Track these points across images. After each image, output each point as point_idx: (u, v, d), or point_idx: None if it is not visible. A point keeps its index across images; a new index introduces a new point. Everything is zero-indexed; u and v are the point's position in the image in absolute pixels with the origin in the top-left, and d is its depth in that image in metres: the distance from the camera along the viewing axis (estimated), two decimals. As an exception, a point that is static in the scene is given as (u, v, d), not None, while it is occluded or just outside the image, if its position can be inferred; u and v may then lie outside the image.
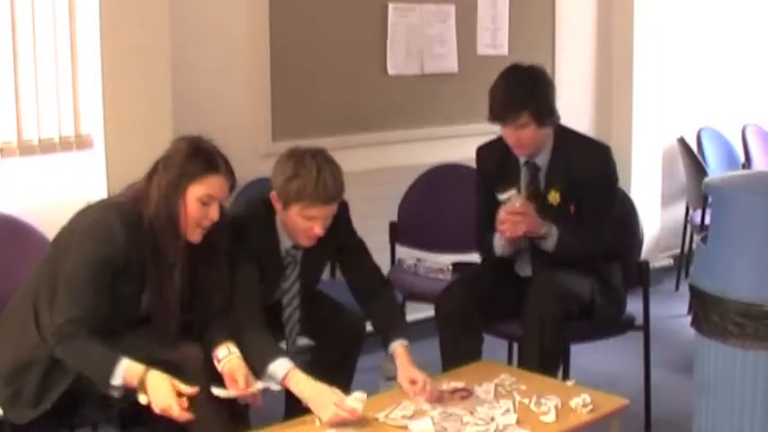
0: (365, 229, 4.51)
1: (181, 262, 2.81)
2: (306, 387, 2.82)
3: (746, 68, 6.54)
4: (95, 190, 3.59)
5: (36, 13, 3.55)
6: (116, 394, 2.68)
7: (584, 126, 5.63)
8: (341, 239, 3.24)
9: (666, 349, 4.53)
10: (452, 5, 4.91)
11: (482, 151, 3.65)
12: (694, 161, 5.62)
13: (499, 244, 3.49)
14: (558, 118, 3.47)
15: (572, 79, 5.54)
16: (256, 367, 2.86)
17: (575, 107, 5.59)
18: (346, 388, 3.26)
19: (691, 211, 5.74)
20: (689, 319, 2.89)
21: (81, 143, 3.71)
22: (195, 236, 2.81)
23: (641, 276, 3.68)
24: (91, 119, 3.70)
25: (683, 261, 5.88)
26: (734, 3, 6.43)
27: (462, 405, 2.83)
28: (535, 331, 3.28)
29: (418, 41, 4.80)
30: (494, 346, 3.66)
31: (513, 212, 3.32)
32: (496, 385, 2.96)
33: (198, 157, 2.78)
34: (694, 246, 5.14)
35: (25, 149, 3.58)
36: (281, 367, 2.84)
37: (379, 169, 4.60)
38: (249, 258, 3.04)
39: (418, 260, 4.22)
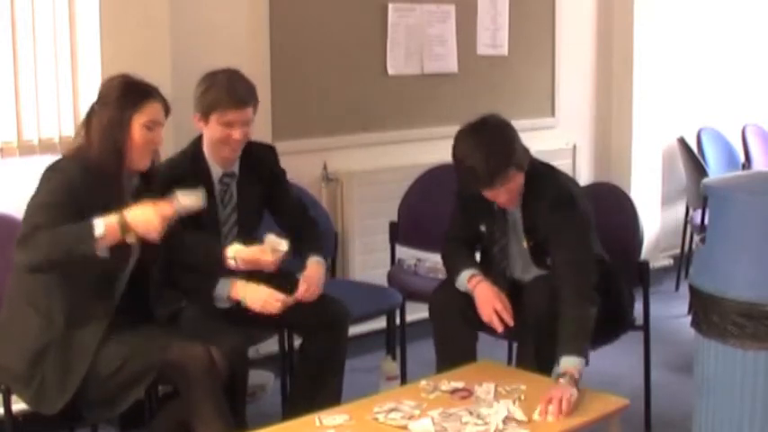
0: (365, 229, 4.54)
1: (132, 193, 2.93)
2: (244, 290, 3.15)
3: (746, 68, 6.54)
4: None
5: (36, 13, 3.56)
6: (101, 253, 2.73)
7: (585, 127, 5.66)
8: (272, 181, 3.45)
9: (666, 349, 4.53)
10: (452, 5, 4.91)
11: (460, 188, 3.49)
12: (694, 161, 5.62)
13: (461, 284, 3.39)
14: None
15: (572, 79, 5.54)
16: (205, 295, 3.16)
17: (574, 107, 5.60)
18: (340, 378, 3.28)
19: (691, 212, 5.74)
20: (689, 319, 2.89)
21: (81, 143, 3.71)
22: (144, 163, 2.94)
23: (641, 276, 3.68)
24: (91, 119, 3.70)
25: (683, 261, 5.87)
26: (734, 3, 6.43)
27: (462, 405, 2.83)
28: (531, 332, 3.27)
29: (418, 41, 4.80)
30: (494, 346, 3.67)
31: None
32: (496, 385, 2.96)
33: (132, 88, 2.91)
34: (694, 246, 5.14)
35: (25, 149, 3.58)
36: (224, 285, 3.15)
37: (379, 169, 4.60)
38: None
39: (418, 260, 4.22)
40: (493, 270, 3.46)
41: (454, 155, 3.24)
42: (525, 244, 3.39)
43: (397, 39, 4.72)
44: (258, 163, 3.41)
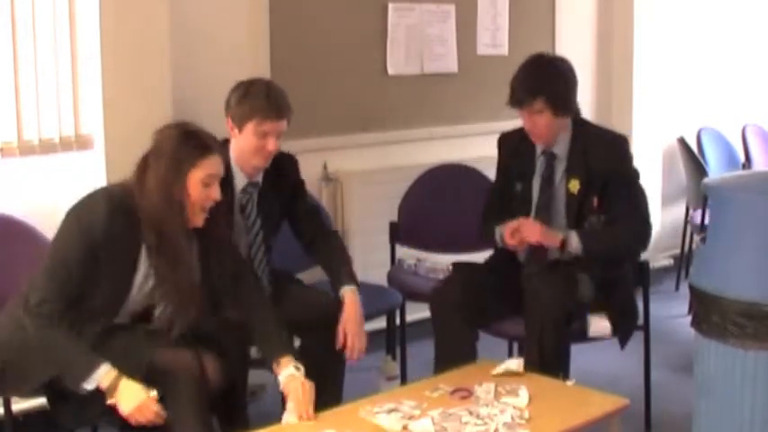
0: (365, 229, 4.53)
1: (192, 246, 2.85)
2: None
3: (746, 68, 6.53)
4: (95, 190, 3.59)
5: (36, 13, 3.55)
6: (84, 392, 2.68)
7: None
8: (293, 191, 3.44)
9: (666, 349, 4.53)
10: (452, 5, 4.91)
11: (502, 138, 3.71)
12: (694, 161, 5.62)
13: (499, 234, 3.52)
14: (578, 111, 3.53)
15: (572, 79, 5.54)
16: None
17: (575, 107, 5.60)
18: (340, 378, 3.28)
19: (691, 211, 5.74)
20: (689, 319, 2.90)
21: (81, 143, 3.71)
22: (199, 220, 2.84)
23: (641, 276, 3.68)
24: (91, 119, 3.70)
25: (683, 261, 5.87)
26: (734, 3, 6.42)
27: (462, 405, 2.83)
28: (535, 333, 3.28)
29: (418, 41, 4.80)
30: (494, 346, 3.66)
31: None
32: (496, 385, 2.96)
33: (190, 141, 2.81)
34: (694, 246, 5.15)
35: (25, 149, 3.58)
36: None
37: (379, 169, 4.59)
38: None
39: (418, 260, 4.22)
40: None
41: None
42: (572, 189, 3.44)
43: (397, 39, 4.72)
44: (281, 173, 3.38)
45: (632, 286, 3.59)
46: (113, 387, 2.66)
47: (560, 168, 3.50)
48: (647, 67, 5.71)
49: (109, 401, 2.66)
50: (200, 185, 2.78)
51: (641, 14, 5.65)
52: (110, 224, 2.73)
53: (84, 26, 3.65)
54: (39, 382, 2.76)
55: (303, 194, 3.52)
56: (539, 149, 3.54)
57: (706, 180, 3.25)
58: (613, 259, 3.46)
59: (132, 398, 2.66)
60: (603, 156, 3.45)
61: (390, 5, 4.68)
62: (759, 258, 2.62)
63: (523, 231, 3.41)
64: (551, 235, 3.41)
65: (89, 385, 2.65)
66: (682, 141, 5.75)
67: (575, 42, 5.55)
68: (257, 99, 3.19)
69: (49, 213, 3.16)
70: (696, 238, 4.80)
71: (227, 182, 3.22)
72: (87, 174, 3.69)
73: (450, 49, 4.93)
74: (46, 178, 3.63)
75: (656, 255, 5.77)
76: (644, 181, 5.69)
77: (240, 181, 3.29)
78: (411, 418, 2.73)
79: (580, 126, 3.54)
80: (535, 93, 3.37)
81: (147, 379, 2.76)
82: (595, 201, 3.43)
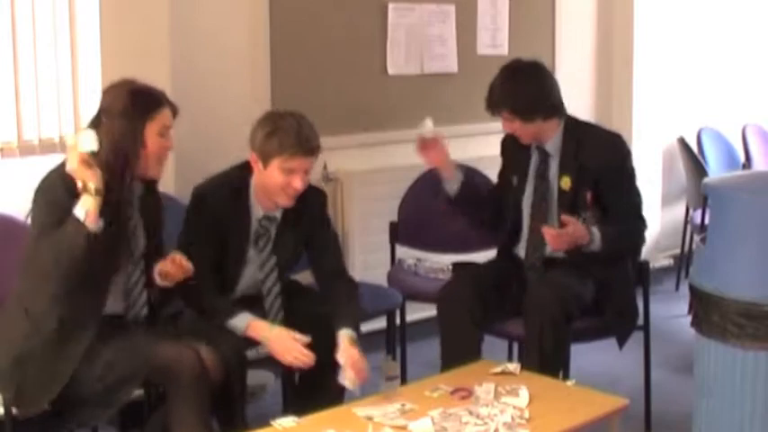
0: (365, 230, 4.53)
1: (133, 200, 2.91)
2: (268, 331, 3.05)
3: (746, 68, 6.53)
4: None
5: (36, 13, 3.56)
6: (96, 228, 2.70)
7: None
8: (313, 226, 3.30)
9: (666, 349, 4.53)
10: (452, 5, 4.91)
11: (504, 140, 3.76)
12: (694, 161, 5.62)
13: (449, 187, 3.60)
14: (562, 109, 3.56)
15: (572, 79, 5.52)
16: (218, 326, 3.02)
17: (574, 107, 5.55)
18: (340, 386, 3.27)
19: (691, 211, 5.74)
20: (689, 319, 2.89)
21: (81, 143, 3.71)
22: (158, 170, 2.92)
23: (641, 276, 3.68)
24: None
25: (683, 261, 5.88)
26: (734, 3, 6.42)
27: (462, 405, 2.83)
28: (535, 333, 3.28)
29: (418, 41, 4.80)
30: (494, 346, 3.67)
31: (425, 143, 3.56)
32: (496, 385, 2.96)
33: (140, 97, 2.86)
34: (694, 246, 5.14)
35: (25, 149, 3.59)
36: (241, 320, 3.04)
37: (379, 169, 4.59)
38: (203, 231, 3.13)
39: (418, 260, 4.22)
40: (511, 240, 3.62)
41: None
42: (563, 186, 3.47)
43: (397, 39, 4.72)
44: (305, 208, 3.24)
45: (632, 286, 3.59)
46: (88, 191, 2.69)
47: (554, 165, 3.53)
48: (647, 67, 5.71)
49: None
50: (156, 137, 2.86)
51: (641, 14, 5.65)
52: (66, 187, 2.75)
53: (84, 26, 3.65)
54: (56, 392, 2.76)
55: (326, 232, 3.37)
56: (533, 145, 3.58)
57: (706, 180, 3.24)
58: (620, 254, 3.49)
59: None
60: (599, 153, 3.48)
61: (390, 5, 4.68)
62: (759, 258, 2.62)
63: (549, 242, 3.40)
64: (584, 235, 3.38)
65: (79, 213, 2.68)
66: (682, 141, 5.75)
67: (575, 42, 5.55)
68: (287, 135, 3.06)
69: (49, 213, 3.15)
70: (696, 238, 4.79)
71: (242, 211, 3.17)
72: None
73: (451, 49, 4.93)
74: (46, 178, 3.63)
75: (656, 255, 5.77)
76: (644, 181, 5.71)
77: (256, 212, 3.20)
78: (411, 418, 2.73)
79: (574, 125, 3.58)
80: (499, 105, 3.50)
81: (150, 378, 2.77)
82: (589, 196, 3.45)
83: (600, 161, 3.46)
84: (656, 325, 3.90)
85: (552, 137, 3.52)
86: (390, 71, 4.72)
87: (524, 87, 3.49)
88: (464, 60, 4.97)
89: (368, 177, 4.53)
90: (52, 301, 2.78)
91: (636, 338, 3.66)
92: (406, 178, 4.43)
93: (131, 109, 2.82)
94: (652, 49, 5.72)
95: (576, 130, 3.56)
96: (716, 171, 5.63)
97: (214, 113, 4.04)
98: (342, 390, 3.25)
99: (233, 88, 4.19)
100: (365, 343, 3.32)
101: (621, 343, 3.55)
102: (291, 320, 3.22)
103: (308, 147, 3.08)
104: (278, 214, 3.24)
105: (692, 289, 2.79)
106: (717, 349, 2.68)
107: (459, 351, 3.37)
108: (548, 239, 3.36)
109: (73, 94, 3.68)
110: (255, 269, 3.25)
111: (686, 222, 5.89)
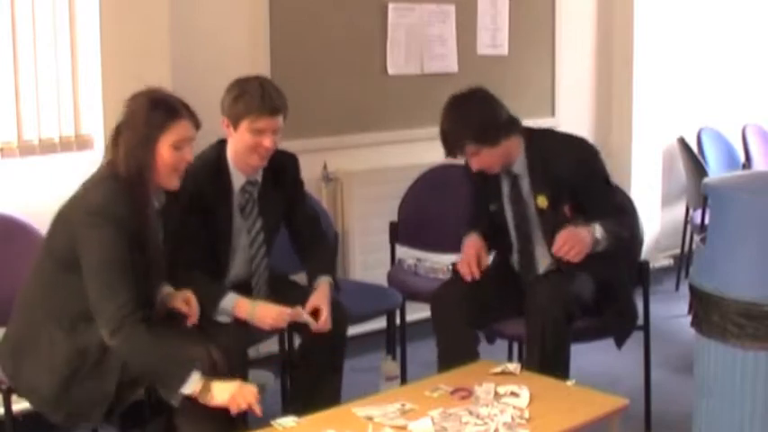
0: (365, 230, 4.53)
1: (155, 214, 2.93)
2: (251, 306, 3.13)
3: (746, 68, 6.53)
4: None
5: (36, 13, 3.56)
6: (175, 402, 2.74)
7: (585, 126, 5.65)
8: (294, 186, 3.46)
9: (666, 349, 4.53)
10: (452, 5, 4.91)
11: (466, 168, 3.61)
12: (694, 161, 5.62)
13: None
14: (515, 124, 3.43)
15: (572, 79, 5.54)
16: (208, 308, 3.09)
17: (574, 107, 5.60)
18: (340, 378, 3.29)
19: (691, 212, 5.74)
20: (689, 319, 2.90)
21: (81, 143, 3.71)
22: (173, 182, 2.90)
23: (641, 276, 3.68)
24: (91, 119, 3.70)
25: (683, 261, 5.88)
26: (734, 3, 6.42)
27: (462, 405, 2.83)
28: (537, 333, 3.28)
29: (418, 41, 4.80)
30: (494, 345, 3.66)
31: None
32: (496, 385, 2.96)
33: (158, 107, 2.85)
34: (694, 246, 5.15)
35: (25, 149, 3.58)
36: (229, 300, 3.13)
37: (379, 169, 4.59)
38: (187, 216, 3.17)
39: (418, 260, 4.22)
40: (506, 253, 3.58)
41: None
42: (540, 205, 3.41)
43: (397, 39, 4.72)
44: (281, 171, 3.39)
45: (631, 286, 3.59)
46: (206, 389, 2.72)
47: (525, 185, 3.46)
48: (647, 68, 5.71)
49: (202, 401, 2.73)
50: (171, 149, 2.84)
51: (641, 14, 5.65)
52: (125, 208, 2.77)
53: (84, 26, 3.65)
54: (105, 406, 2.78)
55: (303, 199, 3.52)
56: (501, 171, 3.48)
57: (706, 180, 3.24)
58: (623, 243, 3.44)
59: (226, 389, 2.74)
60: (568, 162, 3.39)
61: (390, 5, 4.68)
62: (759, 258, 2.62)
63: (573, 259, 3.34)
64: (588, 242, 3.33)
65: (186, 390, 2.70)
66: (682, 141, 5.75)
67: (575, 42, 5.55)
68: (251, 97, 3.20)
69: (49, 213, 3.15)
70: (696, 238, 4.79)
71: (223, 182, 3.24)
72: (87, 174, 3.68)
73: (451, 49, 4.93)
74: (46, 178, 3.63)
75: (656, 255, 5.78)
76: (644, 181, 5.75)
77: (238, 180, 3.29)
78: (411, 418, 2.73)
79: (535, 137, 3.47)
80: (459, 141, 3.35)
81: None
82: (567, 209, 3.40)
83: (571, 170, 3.37)
84: (656, 325, 3.90)
85: (517, 156, 3.43)
86: (390, 71, 4.72)
87: (476, 113, 3.37)
88: (464, 60, 4.97)
89: (368, 177, 4.53)
90: (78, 301, 2.76)
91: (636, 338, 3.66)
92: (406, 178, 4.44)
93: (146, 120, 2.82)
94: (652, 49, 5.72)
95: (539, 143, 3.45)
96: (716, 171, 5.63)
97: (214, 113, 4.03)
98: (339, 389, 3.26)
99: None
100: (365, 343, 3.33)
101: (620, 343, 3.55)
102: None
103: (272, 106, 3.21)
104: (258, 177, 3.33)
105: (692, 289, 2.80)
106: (717, 349, 2.68)
107: (453, 351, 3.37)
108: (569, 259, 3.30)
109: (73, 94, 3.68)
110: (245, 245, 3.31)
111: (686, 222, 5.89)
